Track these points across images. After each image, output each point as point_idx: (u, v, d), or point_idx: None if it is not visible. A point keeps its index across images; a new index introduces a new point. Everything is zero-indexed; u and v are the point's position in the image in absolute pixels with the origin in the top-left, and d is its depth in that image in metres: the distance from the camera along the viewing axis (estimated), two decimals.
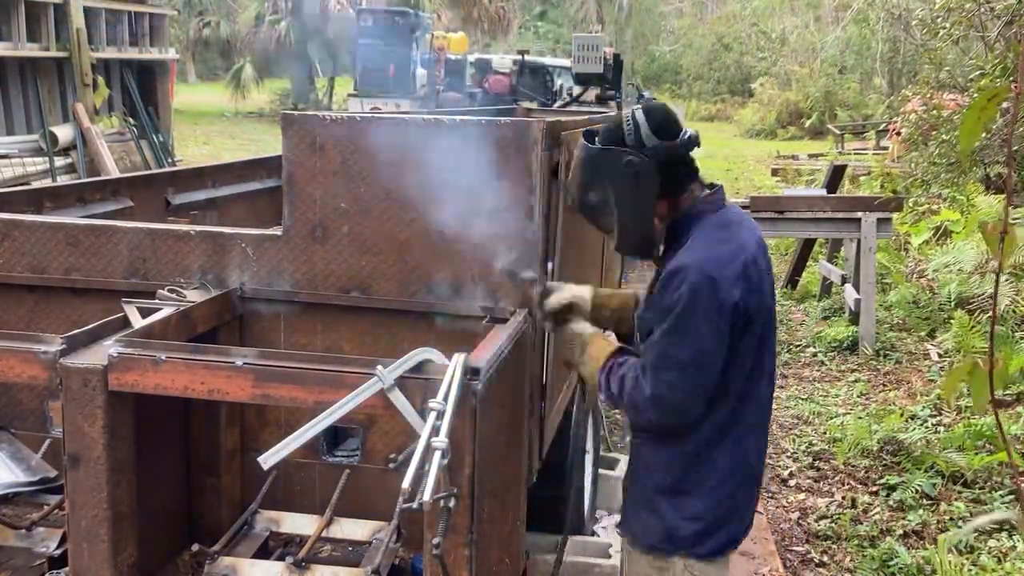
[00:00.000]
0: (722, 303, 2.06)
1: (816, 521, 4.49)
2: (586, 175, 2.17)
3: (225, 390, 1.99)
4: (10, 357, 2.02)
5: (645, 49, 38.67)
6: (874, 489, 4.79)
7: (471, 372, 1.92)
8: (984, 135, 6.81)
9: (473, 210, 2.49)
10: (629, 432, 2.36)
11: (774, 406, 6.12)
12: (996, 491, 4.62)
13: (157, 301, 2.45)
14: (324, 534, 2.45)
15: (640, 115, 2.12)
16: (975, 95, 7.34)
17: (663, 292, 2.13)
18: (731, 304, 2.07)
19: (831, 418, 5.71)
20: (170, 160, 11.63)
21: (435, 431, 1.77)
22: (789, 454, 5.28)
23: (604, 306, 2.45)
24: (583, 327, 2.37)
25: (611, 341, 2.33)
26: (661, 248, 2.24)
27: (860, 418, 5.50)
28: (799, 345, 7.38)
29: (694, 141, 2.14)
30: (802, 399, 6.16)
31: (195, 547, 2.30)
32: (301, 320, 2.64)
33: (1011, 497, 4.55)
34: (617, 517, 2.79)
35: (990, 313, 6.81)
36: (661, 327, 2.11)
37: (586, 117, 4.17)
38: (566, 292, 2.41)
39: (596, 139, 2.18)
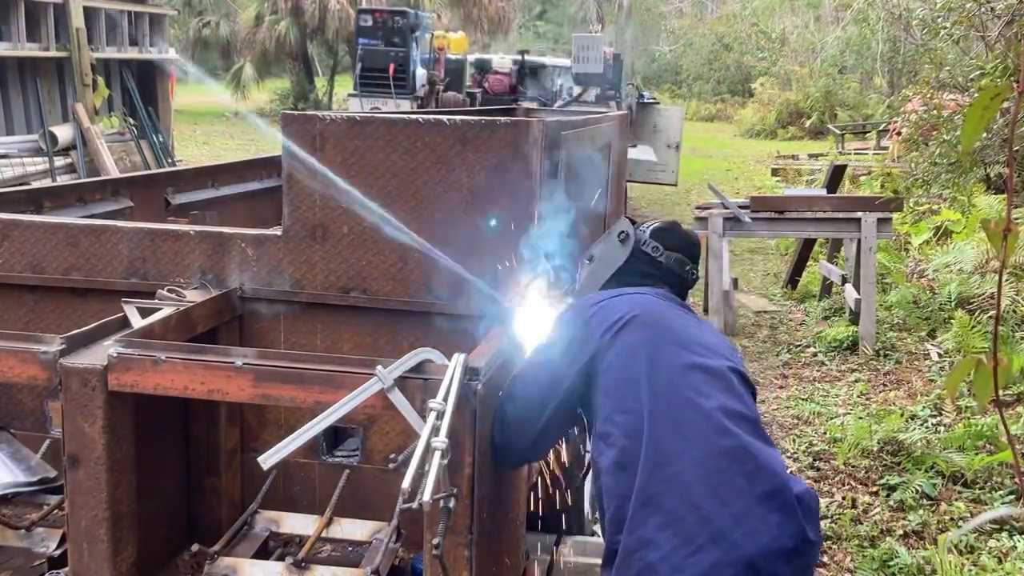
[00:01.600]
0: (579, 315, 2.11)
1: None
2: (598, 240, 2.44)
3: (225, 390, 1.99)
4: (10, 357, 2.02)
5: (645, 49, 38.64)
6: (874, 489, 4.79)
7: (471, 372, 1.92)
8: (985, 135, 6.80)
9: (473, 210, 2.49)
10: None
11: (775, 406, 6.13)
12: (996, 491, 4.62)
13: (157, 301, 2.45)
14: (324, 534, 2.45)
15: (660, 220, 2.40)
16: (975, 95, 7.33)
17: None
18: (585, 318, 2.08)
19: (831, 418, 5.71)
20: (170, 160, 11.62)
21: (435, 431, 1.77)
22: (789, 454, 5.27)
23: None
24: None
25: None
26: None
27: (860, 418, 5.50)
28: (799, 345, 7.37)
29: (679, 264, 2.30)
30: (802, 399, 6.15)
31: (195, 547, 2.30)
32: (301, 320, 2.64)
33: (1011, 497, 4.55)
34: None
35: (991, 313, 6.81)
36: None
37: (586, 117, 4.16)
38: None
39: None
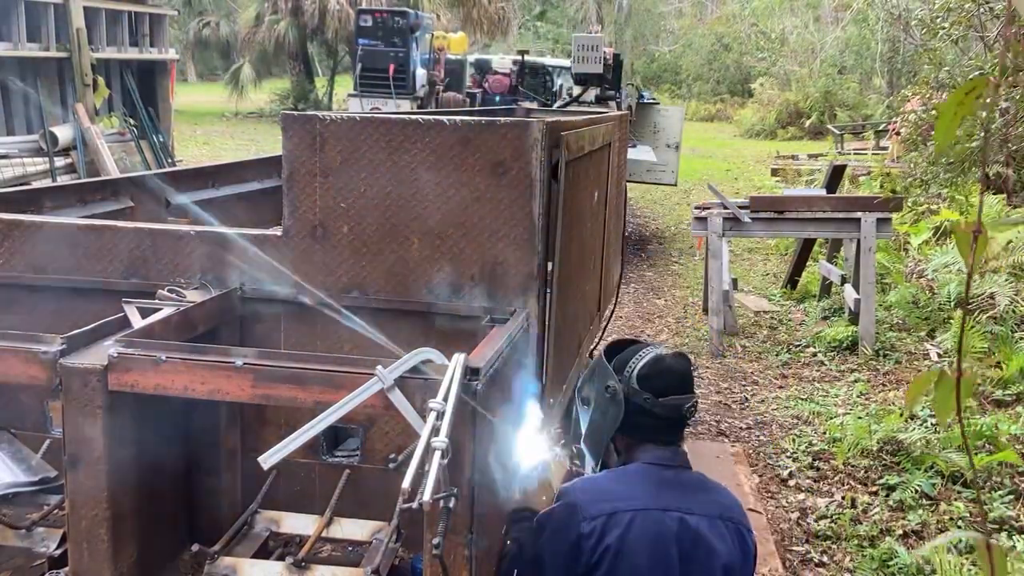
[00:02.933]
0: (569, 529, 2.06)
1: (816, 521, 4.49)
2: (587, 377, 2.34)
3: (225, 390, 1.99)
4: (10, 357, 2.02)
5: (645, 49, 38.67)
6: (874, 489, 4.79)
7: (471, 372, 1.92)
8: (983, 134, 6.81)
9: (473, 210, 2.50)
10: None
11: (775, 406, 6.14)
12: (996, 491, 4.62)
13: (157, 301, 2.45)
14: (324, 534, 2.45)
15: (643, 358, 2.21)
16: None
17: None
18: (575, 535, 2.04)
19: (831, 418, 5.71)
20: (170, 160, 11.63)
21: (435, 431, 1.77)
22: (789, 454, 5.28)
23: None
24: None
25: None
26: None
27: (860, 418, 5.50)
28: (799, 345, 7.37)
29: (675, 409, 2.16)
30: (802, 399, 6.16)
31: (195, 547, 2.30)
32: (301, 320, 2.64)
33: (1011, 497, 4.55)
34: None
35: (991, 313, 6.81)
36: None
37: (586, 117, 4.16)
38: None
39: (614, 358, 2.26)
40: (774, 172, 16.64)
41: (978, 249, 0.92)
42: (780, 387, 6.48)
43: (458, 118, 2.54)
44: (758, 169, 19.35)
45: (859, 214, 7.18)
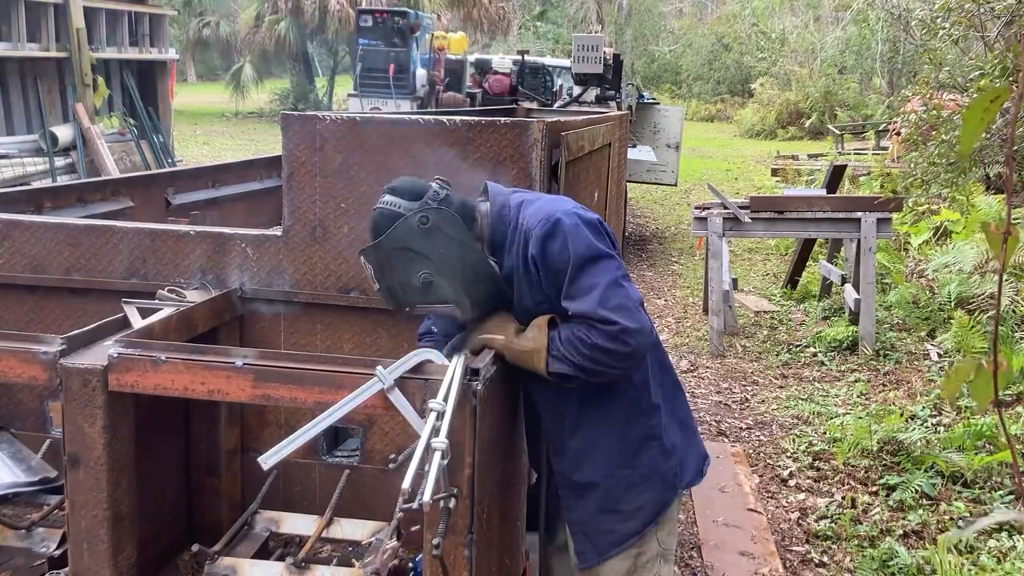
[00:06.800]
0: (591, 222, 2.09)
1: (816, 521, 4.49)
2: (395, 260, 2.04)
3: (225, 390, 1.99)
4: (10, 357, 2.02)
5: (645, 49, 38.66)
6: (874, 489, 4.79)
7: (471, 372, 1.92)
8: (984, 135, 6.82)
9: None
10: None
11: (775, 406, 6.13)
12: (996, 491, 4.62)
13: (157, 301, 2.45)
14: (324, 534, 2.45)
15: (392, 194, 2.10)
16: (975, 95, 7.32)
17: (539, 264, 2.06)
18: (597, 219, 2.12)
19: (831, 418, 5.71)
20: (170, 160, 11.63)
21: (435, 431, 1.77)
22: (789, 454, 5.28)
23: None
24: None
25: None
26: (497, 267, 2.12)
27: (860, 418, 5.50)
28: (799, 345, 7.37)
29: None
30: (802, 399, 6.15)
31: (195, 547, 2.30)
32: (301, 320, 2.64)
33: (1011, 497, 4.55)
34: None
35: (991, 313, 6.81)
36: (570, 279, 2.03)
37: (586, 117, 4.17)
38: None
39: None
40: (774, 172, 16.64)
41: (1008, 249, 0.93)
42: (780, 387, 6.48)
43: (458, 118, 2.54)
44: (758, 169, 19.35)
45: (859, 214, 7.18)
